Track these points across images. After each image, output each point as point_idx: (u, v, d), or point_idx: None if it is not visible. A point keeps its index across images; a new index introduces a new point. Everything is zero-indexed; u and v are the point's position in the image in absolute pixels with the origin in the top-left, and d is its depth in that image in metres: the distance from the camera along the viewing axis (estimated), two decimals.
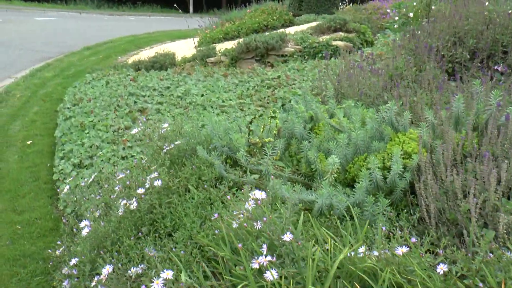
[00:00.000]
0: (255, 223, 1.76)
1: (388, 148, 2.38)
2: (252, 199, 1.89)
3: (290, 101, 4.79)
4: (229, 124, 3.13)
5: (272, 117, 3.20)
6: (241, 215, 1.85)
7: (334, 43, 6.58)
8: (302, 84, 5.19)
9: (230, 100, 5.01)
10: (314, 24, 8.63)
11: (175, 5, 12.06)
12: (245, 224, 1.78)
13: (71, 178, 3.76)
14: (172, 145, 2.91)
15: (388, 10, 8.73)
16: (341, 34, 7.06)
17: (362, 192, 2.11)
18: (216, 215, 2.01)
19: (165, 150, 2.92)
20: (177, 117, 4.65)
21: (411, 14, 7.36)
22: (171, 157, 2.90)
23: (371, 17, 8.22)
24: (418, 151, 2.19)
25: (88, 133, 4.52)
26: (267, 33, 7.20)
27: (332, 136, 2.74)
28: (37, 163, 4.45)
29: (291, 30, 8.56)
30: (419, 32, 5.26)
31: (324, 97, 4.17)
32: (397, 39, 6.71)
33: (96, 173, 3.49)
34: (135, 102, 5.23)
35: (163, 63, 7.02)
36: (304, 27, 8.60)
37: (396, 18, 8.00)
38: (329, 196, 2.07)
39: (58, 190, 3.79)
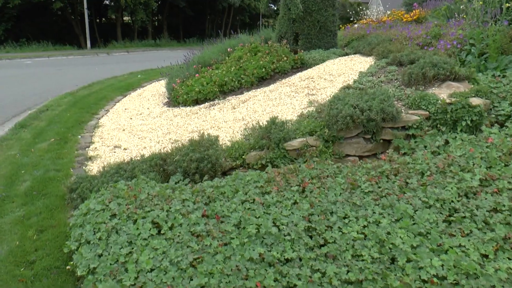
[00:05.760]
0: None
1: None
2: None
3: None
4: None
5: None
6: None
7: (473, 102, 4.42)
8: None
9: (493, 259, 2.48)
10: (365, 65, 6.38)
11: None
12: None
13: None
14: None
15: (442, 42, 6.90)
16: (458, 85, 4.94)
17: None
18: None
19: None
20: None
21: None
22: None
23: (438, 52, 6.27)
24: None
25: None
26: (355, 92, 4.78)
27: None
28: None
29: (309, 74, 6.22)
30: None
31: None
32: None
33: None
34: None
35: (214, 162, 4.12)
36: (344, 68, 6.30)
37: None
38: None
39: None
